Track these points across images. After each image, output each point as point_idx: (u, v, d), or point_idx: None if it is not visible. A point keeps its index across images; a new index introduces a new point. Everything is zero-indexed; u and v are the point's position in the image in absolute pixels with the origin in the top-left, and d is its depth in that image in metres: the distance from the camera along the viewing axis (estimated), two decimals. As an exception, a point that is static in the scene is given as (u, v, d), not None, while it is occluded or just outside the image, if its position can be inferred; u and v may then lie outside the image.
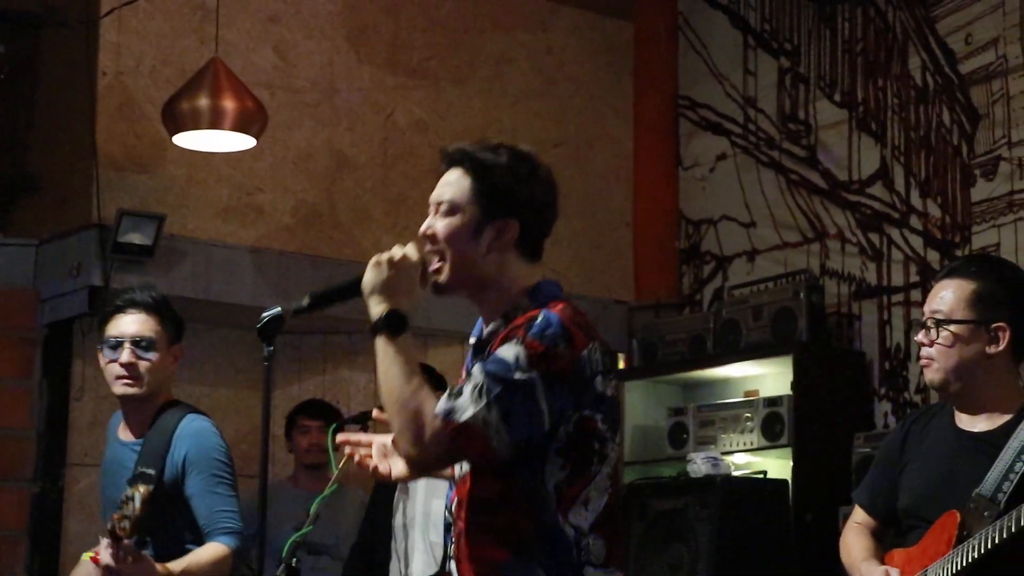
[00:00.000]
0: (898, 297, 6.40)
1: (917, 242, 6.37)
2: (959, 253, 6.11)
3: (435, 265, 2.85)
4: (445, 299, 2.95)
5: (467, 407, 2.67)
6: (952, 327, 3.39)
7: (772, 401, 6.26)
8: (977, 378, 3.39)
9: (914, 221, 6.40)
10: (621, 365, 7.20)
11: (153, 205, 6.11)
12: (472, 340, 2.92)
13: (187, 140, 5.84)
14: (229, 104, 5.70)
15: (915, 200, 6.41)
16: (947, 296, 3.42)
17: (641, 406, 6.87)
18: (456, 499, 2.84)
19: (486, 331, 2.86)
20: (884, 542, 3.57)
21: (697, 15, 7.44)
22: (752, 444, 6.30)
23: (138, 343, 3.95)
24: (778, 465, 6.21)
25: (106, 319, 4.03)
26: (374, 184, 6.71)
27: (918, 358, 3.53)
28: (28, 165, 6.45)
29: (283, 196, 6.48)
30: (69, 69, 6.27)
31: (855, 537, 3.58)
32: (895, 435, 3.61)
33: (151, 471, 3.85)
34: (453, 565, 2.83)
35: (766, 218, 6.99)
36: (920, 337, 3.44)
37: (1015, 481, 3.24)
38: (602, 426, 2.76)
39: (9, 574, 6.01)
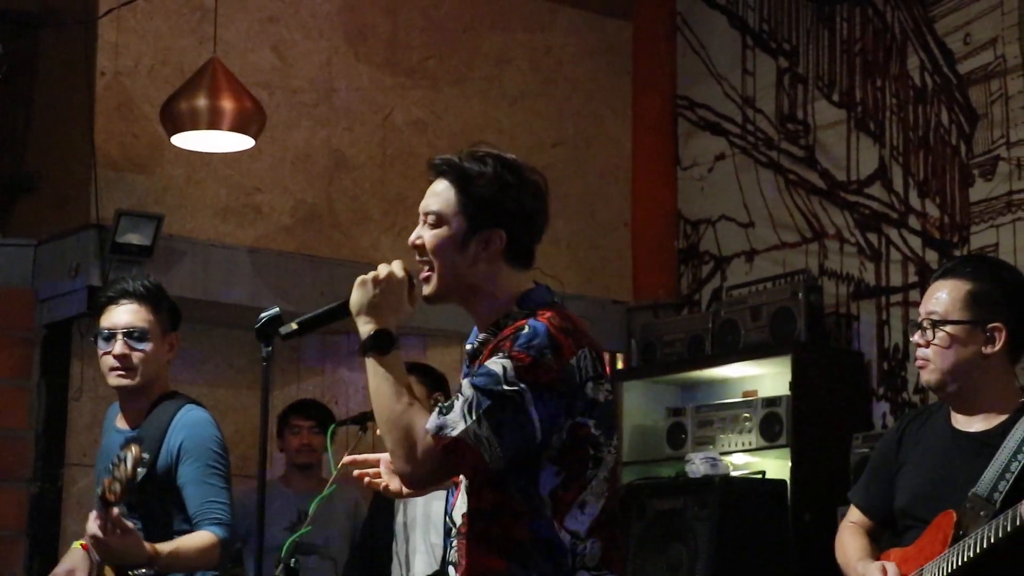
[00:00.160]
0: (897, 297, 6.40)
1: (916, 242, 6.37)
2: (958, 253, 6.10)
3: (424, 274, 2.87)
4: (444, 299, 2.96)
5: (458, 422, 2.68)
6: (948, 328, 3.39)
7: (771, 401, 6.26)
8: (973, 378, 3.39)
9: (912, 221, 6.40)
10: (620, 365, 7.20)
11: (151, 205, 6.11)
12: (468, 348, 2.93)
13: (185, 140, 5.84)
14: (227, 104, 5.71)
15: (914, 200, 6.40)
16: (943, 297, 3.42)
17: (639, 406, 6.87)
18: (456, 505, 2.85)
19: (478, 341, 2.87)
20: (880, 542, 3.57)
21: (696, 15, 7.44)
22: (751, 444, 6.30)
23: (130, 334, 3.93)
24: (776, 465, 6.21)
25: (100, 310, 4.01)
26: (372, 184, 6.71)
27: (915, 359, 3.53)
28: (26, 165, 6.46)
29: (281, 196, 6.49)
30: (68, 69, 6.27)
31: (851, 537, 3.59)
32: (891, 435, 3.61)
33: (145, 456, 3.83)
34: (452, 570, 2.83)
35: (764, 218, 6.99)
36: (916, 338, 3.44)
37: (1011, 481, 3.25)
38: (595, 431, 2.76)
39: (8, 574, 6.02)
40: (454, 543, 2.83)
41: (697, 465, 6.05)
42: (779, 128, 7.00)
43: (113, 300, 3.99)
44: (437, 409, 2.72)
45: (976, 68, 6.23)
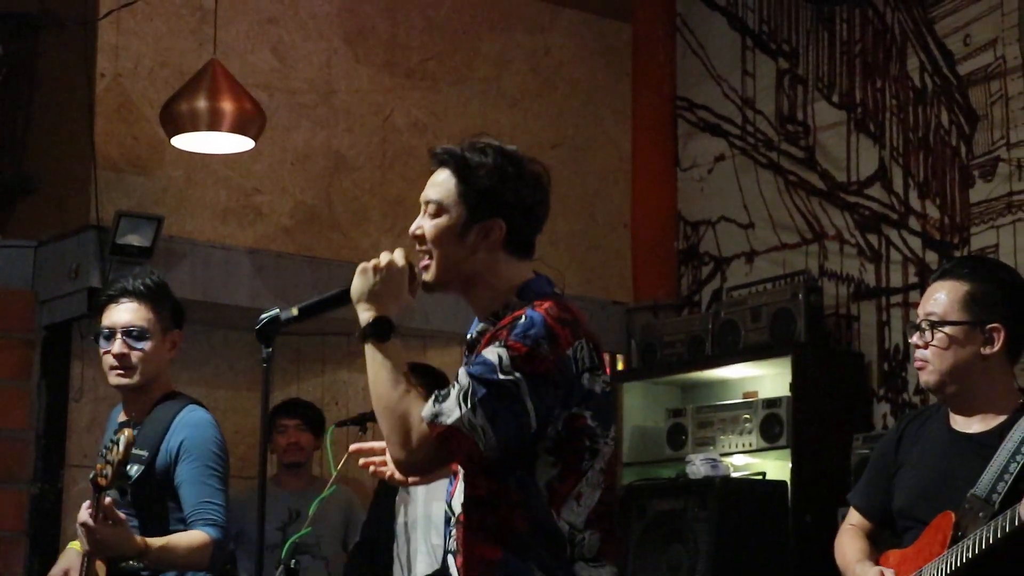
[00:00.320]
0: (897, 298, 6.40)
1: (916, 243, 6.37)
2: (958, 254, 6.10)
3: (424, 262, 2.89)
4: (444, 299, 2.98)
5: (453, 410, 2.69)
6: (947, 329, 3.39)
7: (771, 402, 6.26)
8: (972, 379, 3.40)
9: (913, 222, 6.40)
10: (620, 366, 7.20)
11: (151, 207, 6.11)
12: (467, 337, 2.94)
13: (185, 142, 5.85)
14: (227, 106, 5.71)
15: (914, 201, 6.40)
16: (941, 298, 3.42)
17: (640, 407, 6.87)
18: (455, 494, 2.86)
19: (476, 330, 2.89)
20: (879, 544, 3.57)
21: (695, 16, 7.44)
22: (751, 445, 6.30)
23: (129, 333, 3.92)
24: (777, 466, 6.21)
25: (101, 309, 4.00)
26: (372, 185, 6.71)
27: (913, 360, 3.53)
28: (26, 167, 6.46)
29: (281, 197, 6.49)
30: (67, 71, 6.27)
31: (849, 539, 3.59)
32: (890, 437, 3.61)
33: (143, 452, 3.82)
34: (451, 559, 2.84)
35: (764, 219, 6.99)
36: (915, 339, 3.44)
37: (1009, 482, 3.25)
38: (592, 423, 2.77)
39: (8, 575, 6.02)
40: (453, 532, 2.84)
41: (697, 466, 6.05)
42: (779, 129, 7.00)
43: (113, 299, 3.98)
44: (433, 397, 2.74)
45: (976, 69, 6.23)
